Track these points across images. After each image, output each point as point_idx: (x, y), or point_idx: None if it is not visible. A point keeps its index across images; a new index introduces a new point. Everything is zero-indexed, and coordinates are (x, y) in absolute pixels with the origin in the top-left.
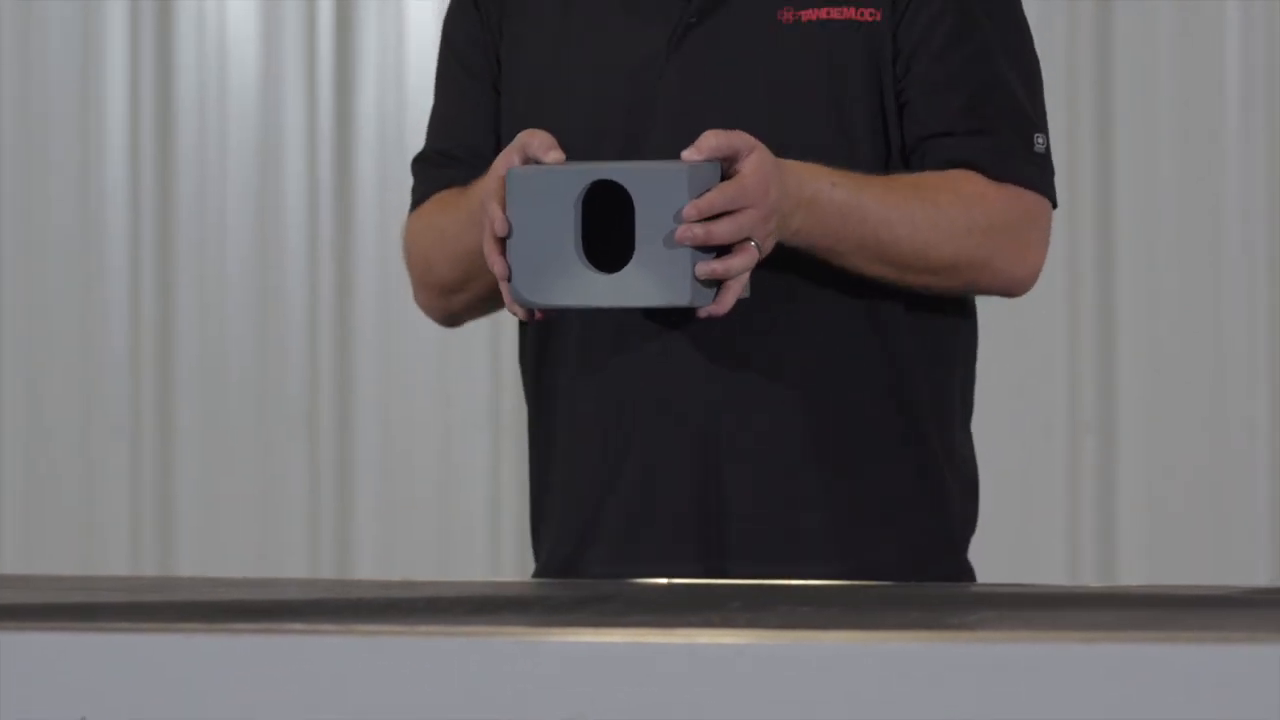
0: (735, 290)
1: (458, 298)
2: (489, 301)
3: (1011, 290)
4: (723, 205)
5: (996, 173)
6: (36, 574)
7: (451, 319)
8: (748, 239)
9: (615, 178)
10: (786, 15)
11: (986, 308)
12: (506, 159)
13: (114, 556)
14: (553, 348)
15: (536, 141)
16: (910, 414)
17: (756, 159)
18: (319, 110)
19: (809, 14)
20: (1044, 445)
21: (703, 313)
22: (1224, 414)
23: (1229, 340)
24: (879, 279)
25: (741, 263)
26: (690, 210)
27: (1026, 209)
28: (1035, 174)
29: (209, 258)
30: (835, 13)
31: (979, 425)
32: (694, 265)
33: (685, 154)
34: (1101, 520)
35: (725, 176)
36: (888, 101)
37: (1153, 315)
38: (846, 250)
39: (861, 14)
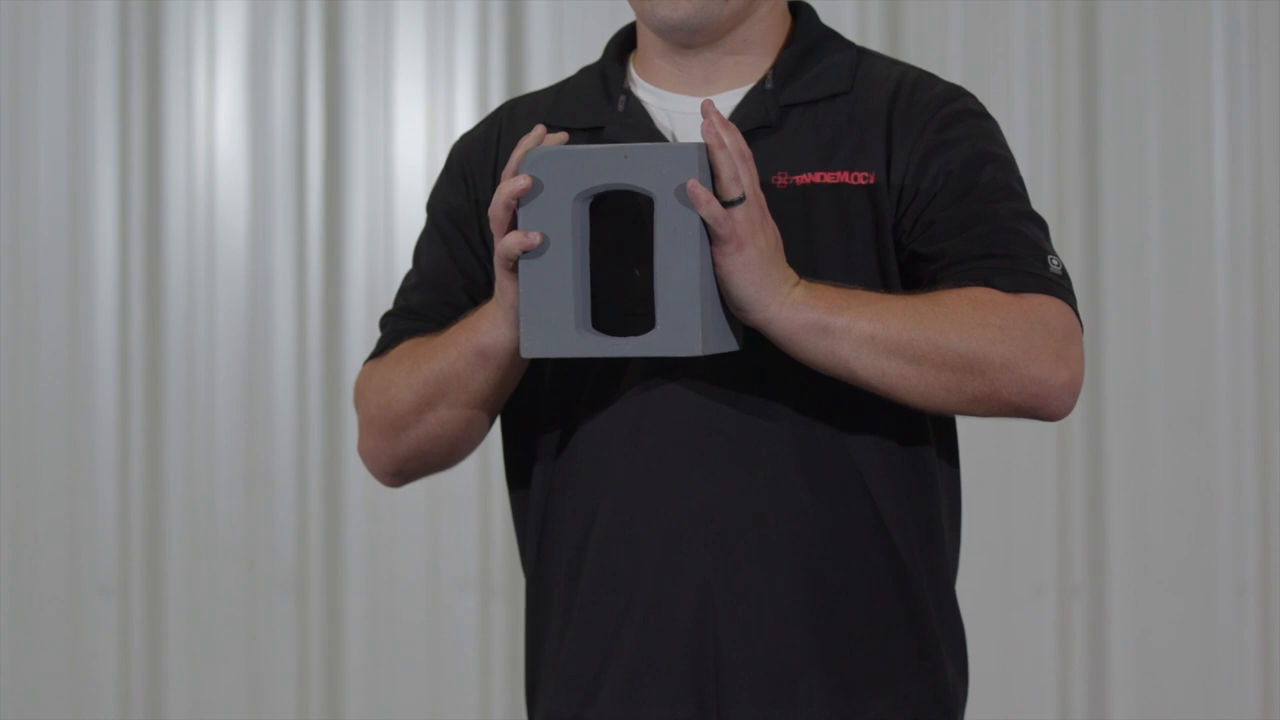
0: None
1: (408, 436)
2: (438, 441)
3: (1044, 403)
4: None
5: (1011, 286)
6: None
7: (397, 469)
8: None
9: (628, 184)
10: (780, 180)
11: (970, 464)
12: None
13: (102, 716)
14: (554, 514)
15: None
16: (906, 578)
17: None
18: (308, 278)
19: (803, 178)
20: (1033, 607)
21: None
22: (1214, 576)
23: (1218, 500)
24: (889, 379)
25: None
26: (697, 188)
27: (1045, 314)
28: (1054, 287)
29: (197, 424)
30: (829, 177)
31: (967, 588)
32: (703, 314)
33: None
34: (1092, 683)
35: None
36: (885, 257)
37: (1141, 473)
38: (849, 351)
39: (855, 178)
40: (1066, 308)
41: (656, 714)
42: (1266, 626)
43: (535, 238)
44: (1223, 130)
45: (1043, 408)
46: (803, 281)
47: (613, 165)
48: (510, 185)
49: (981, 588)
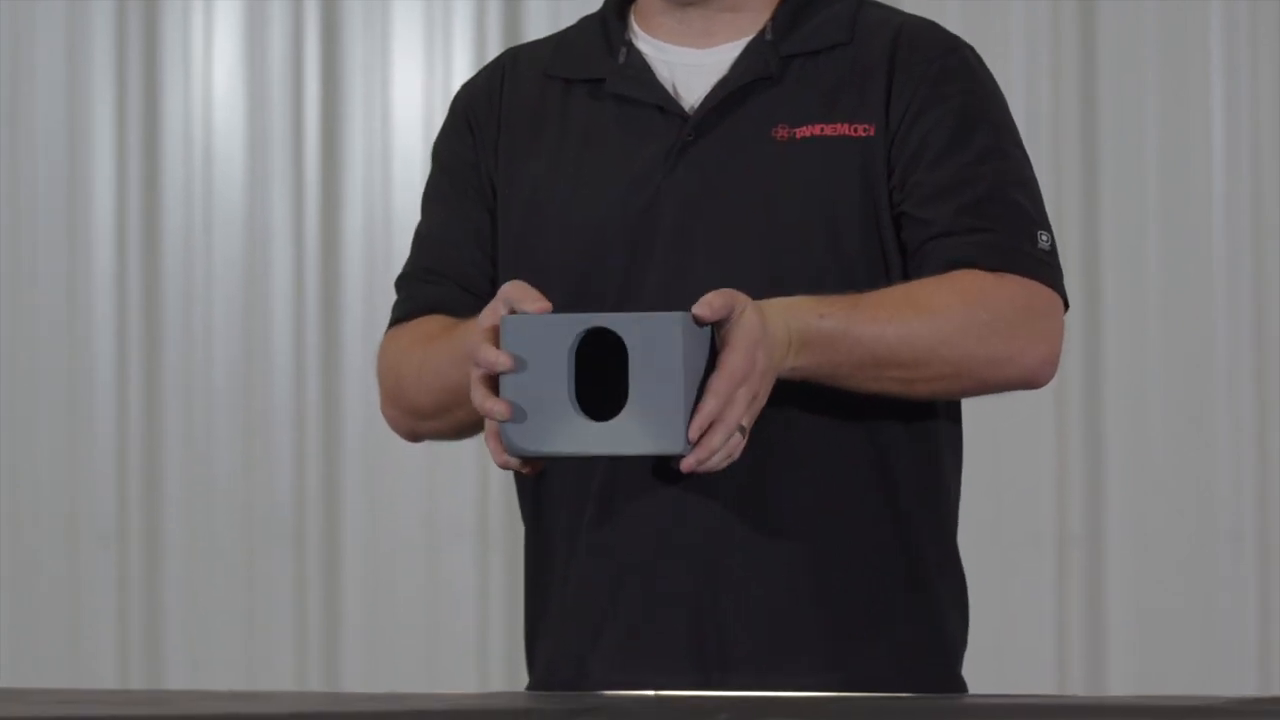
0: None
1: (427, 424)
2: (457, 433)
3: (1029, 382)
4: (717, 408)
5: (996, 265)
6: (26, 687)
7: (415, 438)
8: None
9: (610, 326)
10: (781, 132)
11: (971, 419)
12: (492, 311)
13: (101, 667)
14: (553, 464)
15: (520, 294)
16: (905, 525)
17: (744, 330)
18: (305, 228)
19: (803, 131)
20: (1031, 556)
21: (686, 465)
22: (1210, 524)
23: (1216, 453)
24: (887, 394)
25: (726, 453)
26: (692, 432)
27: (1029, 299)
28: (1037, 266)
29: (195, 372)
30: (829, 129)
31: (967, 537)
32: (689, 413)
33: (696, 310)
34: (1090, 630)
35: (715, 335)
36: (882, 215)
37: (1138, 424)
38: (846, 374)
39: (855, 129)
40: (1049, 290)
41: (657, 663)
42: (1265, 576)
43: (506, 361)
44: (1221, 130)
45: (1026, 386)
46: (793, 341)
47: (591, 327)
48: (490, 360)
49: (981, 538)
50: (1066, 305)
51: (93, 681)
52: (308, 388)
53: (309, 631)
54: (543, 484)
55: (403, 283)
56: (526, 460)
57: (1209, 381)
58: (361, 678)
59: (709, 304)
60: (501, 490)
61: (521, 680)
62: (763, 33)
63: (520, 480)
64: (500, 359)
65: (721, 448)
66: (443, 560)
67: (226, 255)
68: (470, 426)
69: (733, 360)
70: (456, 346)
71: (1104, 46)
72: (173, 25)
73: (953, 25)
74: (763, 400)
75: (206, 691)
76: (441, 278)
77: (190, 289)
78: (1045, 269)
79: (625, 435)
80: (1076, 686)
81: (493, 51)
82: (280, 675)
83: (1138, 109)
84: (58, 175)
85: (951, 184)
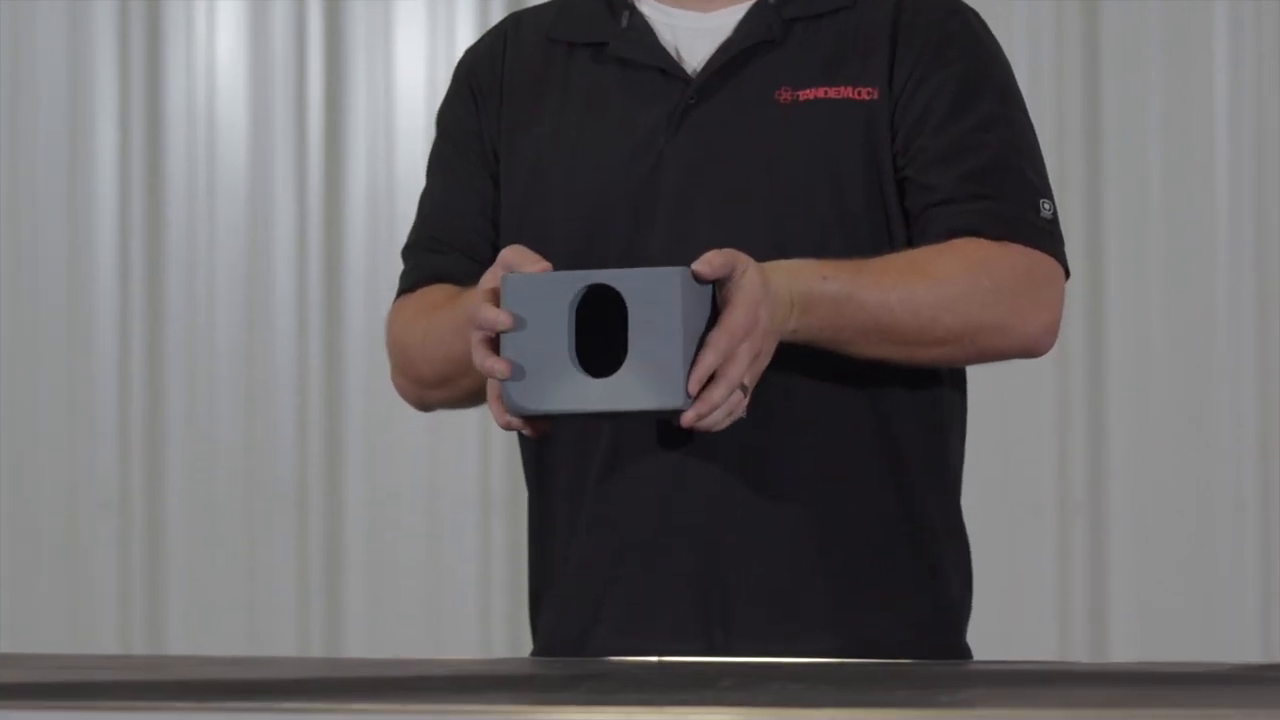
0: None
1: (434, 393)
2: (466, 401)
3: (1030, 350)
4: (716, 361)
5: (999, 234)
6: (27, 653)
7: (425, 408)
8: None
9: (609, 282)
10: (784, 95)
11: (975, 386)
12: (492, 274)
13: (102, 634)
14: (554, 438)
15: (519, 257)
16: (909, 493)
17: (745, 289)
18: (308, 197)
19: (806, 93)
20: (1034, 524)
21: (687, 419)
22: (1212, 493)
23: (1217, 420)
24: (889, 360)
25: (727, 409)
26: (692, 385)
27: (1031, 267)
28: (1040, 235)
29: (198, 339)
30: (832, 92)
31: (971, 504)
32: (688, 368)
33: (695, 266)
34: (1093, 597)
35: (716, 295)
36: (885, 178)
37: (1141, 393)
38: (849, 339)
39: (859, 93)
40: (1050, 259)
41: (661, 631)
42: (1266, 543)
43: (506, 319)
44: (1225, 129)
45: (1026, 355)
46: (796, 302)
47: (590, 284)
48: (489, 320)
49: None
50: (1068, 274)
51: (94, 650)
52: (310, 356)
53: (311, 599)
54: (546, 448)
55: (408, 253)
56: (530, 421)
57: (1211, 362)
58: (364, 646)
59: (709, 262)
60: (504, 459)
61: (524, 647)
62: None
63: (525, 444)
64: (500, 318)
65: (723, 404)
66: (445, 529)
67: (229, 224)
68: (480, 394)
69: (734, 316)
70: (458, 315)
71: (1107, 46)
72: None
73: None
74: (765, 360)
75: (206, 657)
76: (447, 246)
77: (193, 258)
78: (1047, 238)
79: (625, 391)
80: (1079, 654)
81: (496, 18)
82: (283, 643)
83: (1141, 109)
84: (59, 144)
85: (955, 151)
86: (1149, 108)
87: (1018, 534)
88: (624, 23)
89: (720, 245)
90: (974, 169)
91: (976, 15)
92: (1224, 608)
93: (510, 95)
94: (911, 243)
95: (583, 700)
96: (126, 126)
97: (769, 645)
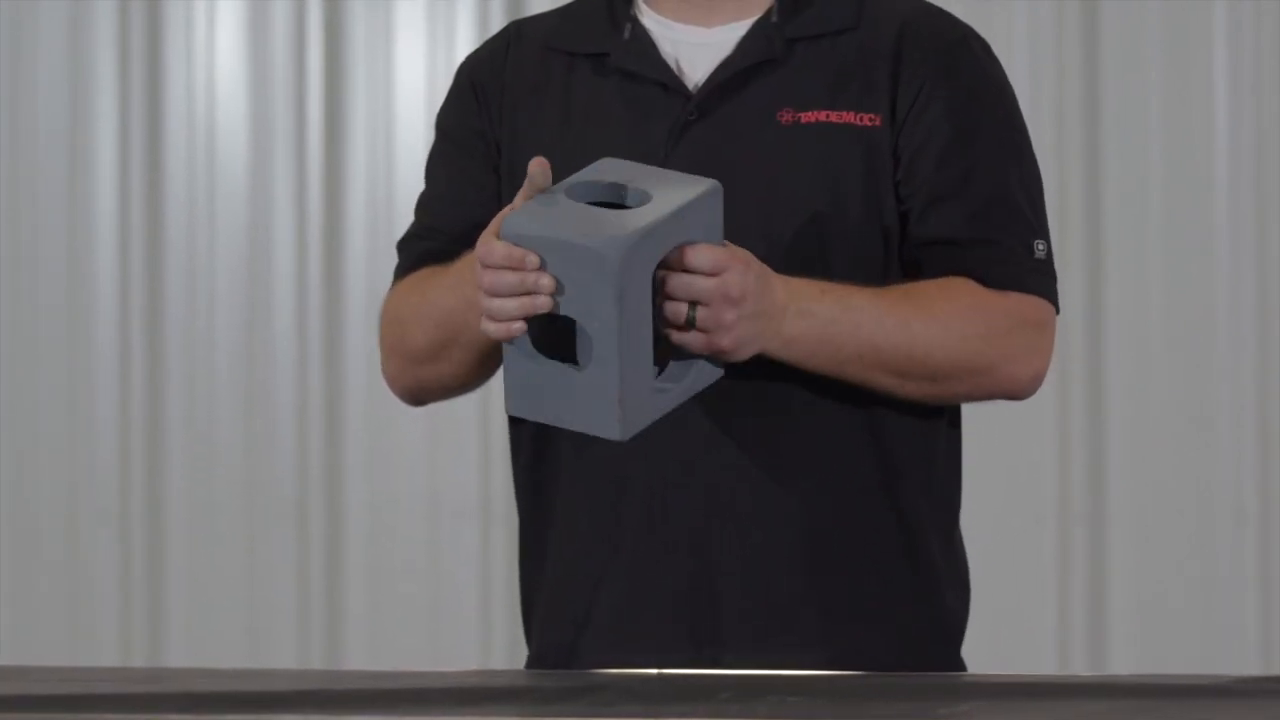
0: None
1: (427, 370)
2: (458, 378)
3: (1014, 395)
4: (709, 263)
5: (997, 281)
6: (28, 665)
7: (420, 393)
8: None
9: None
10: (786, 116)
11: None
12: (491, 229)
13: (102, 636)
14: (548, 449)
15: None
16: (904, 513)
17: (739, 270)
18: (308, 199)
19: (808, 116)
20: (1034, 536)
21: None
22: (1212, 497)
23: (1218, 421)
24: (879, 389)
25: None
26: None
27: (1026, 315)
28: (1036, 281)
29: (198, 341)
30: (834, 116)
31: (970, 516)
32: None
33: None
34: (1092, 610)
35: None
36: (886, 205)
37: (1140, 403)
38: (843, 360)
39: (860, 119)
40: (1044, 303)
41: (650, 642)
42: (1265, 553)
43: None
44: (1225, 130)
45: (1011, 398)
46: (791, 306)
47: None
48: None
49: (983, 518)
50: (1057, 310)
51: (94, 661)
52: (310, 365)
53: (311, 608)
54: (540, 467)
55: (403, 244)
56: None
57: (1211, 369)
58: (364, 651)
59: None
60: (503, 466)
61: (524, 654)
62: (768, 14)
63: (515, 452)
64: (502, 244)
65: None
66: (445, 537)
67: (229, 225)
68: (471, 372)
69: (732, 269)
70: (454, 274)
71: (1107, 47)
72: None
73: None
74: (740, 336)
75: (207, 669)
76: (444, 235)
77: (192, 259)
78: (1040, 279)
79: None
80: (1080, 659)
81: (496, 25)
82: (282, 653)
83: (1141, 109)
84: (59, 144)
85: (955, 189)
86: (1149, 108)
87: (1018, 539)
88: (625, 34)
89: None
90: (973, 209)
91: (980, 39)
92: (1224, 614)
93: (512, 99)
94: (907, 272)
95: (582, 712)
96: (126, 127)
97: (760, 659)
